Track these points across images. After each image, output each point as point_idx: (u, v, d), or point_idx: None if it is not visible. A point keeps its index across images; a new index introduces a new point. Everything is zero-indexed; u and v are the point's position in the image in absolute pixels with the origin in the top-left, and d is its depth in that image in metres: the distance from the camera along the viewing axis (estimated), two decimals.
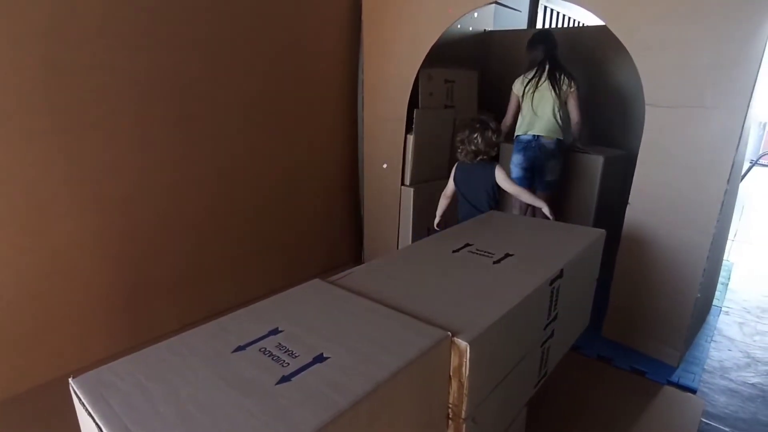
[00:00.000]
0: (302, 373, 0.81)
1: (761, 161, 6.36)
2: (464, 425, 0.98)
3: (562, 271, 1.30)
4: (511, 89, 2.58)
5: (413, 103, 2.50)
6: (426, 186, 2.66)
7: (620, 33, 1.79)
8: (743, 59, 1.56)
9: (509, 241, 1.51)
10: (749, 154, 6.89)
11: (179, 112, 1.97)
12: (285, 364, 0.83)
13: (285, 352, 0.87)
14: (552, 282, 1.26)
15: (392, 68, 2.53)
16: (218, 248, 2.25)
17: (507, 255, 1.39)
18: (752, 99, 1.58)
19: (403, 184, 2.62)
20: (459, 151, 2.03)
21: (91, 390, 0.76)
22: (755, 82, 1.54)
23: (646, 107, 1.79)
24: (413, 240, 2.63)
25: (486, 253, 1.41)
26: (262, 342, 0.91)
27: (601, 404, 1.68)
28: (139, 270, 1.97)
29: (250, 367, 0.83)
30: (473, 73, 2.85)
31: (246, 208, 2.34)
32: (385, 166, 2.68)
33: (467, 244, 1.49)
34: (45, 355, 1.76)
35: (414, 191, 2.58)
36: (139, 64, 1.81)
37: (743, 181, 5.45)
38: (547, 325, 1.31)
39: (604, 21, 1.83)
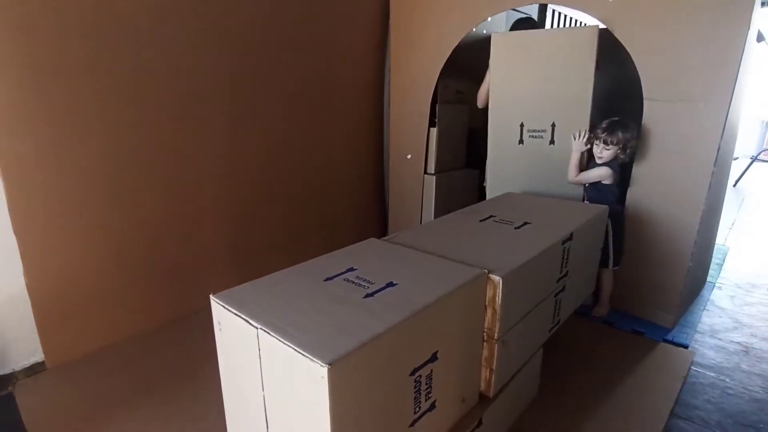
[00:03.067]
0: (381, 292, 1.09)
1: (761, 157, 6.57)
2: (496, 345, 1.27)
3: (572, 234, 1.58)
4: None
5: (434, 100, 2.78)
6: (446, 175, 2.94)
7: (622, 37, 2.06)
8: (726, 60, 1.82)
9: (527, 214, 1.79)
10: (750, 150, 7.11)
11: (227, 112, 2.26)
12: (367, 287, 1.12)
13: (364, 281, 1.16)
14: (564, 242, 1.54)
15: (417, 68, 2.81)
16: (261, 232, 2.54)
17: (525, 223, 1.67)
18: (734, 94, 1.85)
19: (426, 172, 2.91)
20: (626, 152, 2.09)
21: (232, 301, 1.05)
22: (736, 79, 1.81)
23: (645, 101, 2.06)
24: None
25: (508, 222, 1.69)
26: (344, 275, 1.20)
27: (604, 357, 1.95)
28: (181, 251, 2.20)
29: (340, 290, 1.12)
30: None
31: (283, 196, 2.62)
32: (409, 156, 2.96)
33: (491, 216, 1.77)
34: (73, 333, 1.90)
35: (436, 179, 2.86)
36: (191, 69, 2.08)
37: (744, 176, 5.66)
38: (559, 279, 1.58)
39: (608, 26, 2.11)
